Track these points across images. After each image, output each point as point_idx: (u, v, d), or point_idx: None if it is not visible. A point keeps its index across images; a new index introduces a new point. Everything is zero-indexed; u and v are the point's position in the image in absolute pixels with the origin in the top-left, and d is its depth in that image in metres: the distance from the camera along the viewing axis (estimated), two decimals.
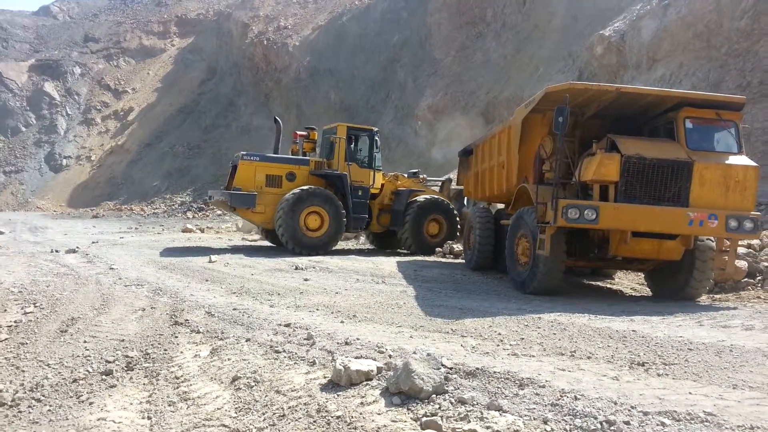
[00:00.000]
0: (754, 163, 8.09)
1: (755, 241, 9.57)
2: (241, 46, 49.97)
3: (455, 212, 15.84)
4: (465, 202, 16.59)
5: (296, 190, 14.05)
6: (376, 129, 15.99)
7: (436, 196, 15.95)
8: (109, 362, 5.27)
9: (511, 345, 5.47)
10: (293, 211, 13.81)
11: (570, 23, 27.47)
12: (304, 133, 16.39)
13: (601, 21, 24.07)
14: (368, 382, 4.30)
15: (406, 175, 16.79)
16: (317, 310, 7.26)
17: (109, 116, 54.84)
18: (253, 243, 18.10)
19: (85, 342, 5.91)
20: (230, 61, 52.55)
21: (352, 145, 15.35)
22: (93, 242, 16.31)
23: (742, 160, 8.05)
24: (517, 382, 4.22)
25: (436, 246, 15.33)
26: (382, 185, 15.96)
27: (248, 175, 14.52)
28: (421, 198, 15.59)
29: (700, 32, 17.57)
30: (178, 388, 4.68)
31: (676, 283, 8.76)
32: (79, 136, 53.45)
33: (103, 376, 5.00)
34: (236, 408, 4.20)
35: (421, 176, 17.22)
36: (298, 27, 47.24)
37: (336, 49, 42.87)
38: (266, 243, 17.14)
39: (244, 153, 15.09)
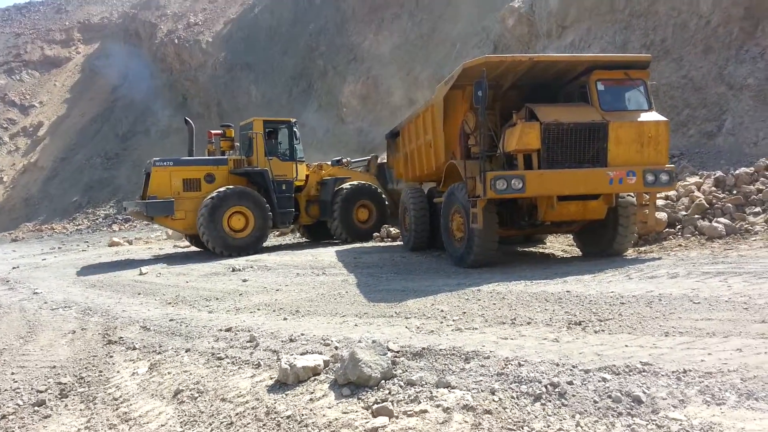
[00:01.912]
0: (665, 118, 8.48)
1: (672, 193, 10.07)
2: (151, 48, 48.08)
3: (382, 194, 15.88)
4: (389, 178, 16.63)
5: (214, 193, 13.65)
6: (293, 120, 15.69)
7: (362, 182, 15.92)
8: (41, 392, 4.98)
9: (454, 320, 5.53)
10: (214, 215, 13.43)
11: None
12: (219, 131, 15.93)
13: None
14: (316, 377, 4.25)
15: (329, 163, 16.61)
16: (258, 310, 7.12)
17: (17, 133, 51.63)
18: (186, 250, 17.57)
19: (12, 374, 5.55)
20: (141, 63, 50.42)
21: (273, 140, 15.04)
22: (13, 267, 15.38)
23: (653, 116, 8.41)
24: (462, 356, 4.26)
25: (368, 232, 15.28)
26: (307, 176, 15.76)
27: (163, 181, 14.03)
28: (346, 185, 15.52)
29: None
30: (117, 409, 4.47)
31: (603, 241, 9.13)
32: None
33: (36, 408, 4.71)
34: (181, 422, 4.05)
35: (344, 160, 17.08)
36: (209, 22, 45.83)
37: (251, 42, 41.89)
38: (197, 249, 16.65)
39: (157, 159, 14.56)
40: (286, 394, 4.08)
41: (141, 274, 11.52)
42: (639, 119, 8.31)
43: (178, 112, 44.89)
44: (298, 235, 18.63)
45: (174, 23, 47.35)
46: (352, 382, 3.97)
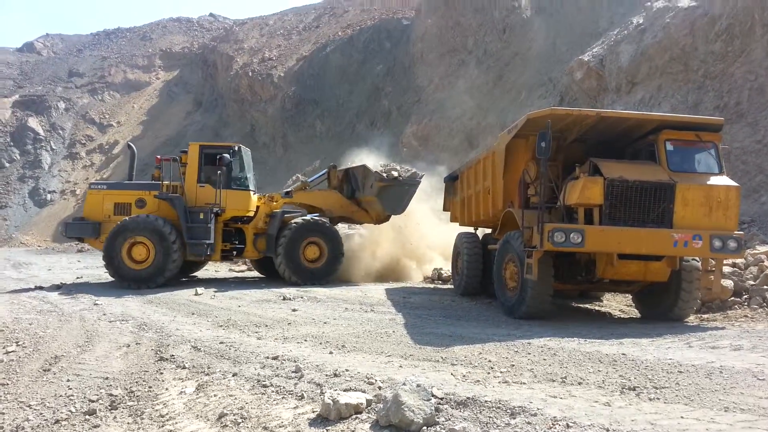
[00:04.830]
0: (736, 183, 8.19)
1: (740, 260, 9.64)
2: (226, 78, 50.30)
3: (336, 231, 14.76)
4: (357, 185, 15.60)
5: (119, 223, 13.28)
6: (237, 146, 14.69)
7: (314, 217, 14.67)
8: (93, 401, 5.14)
9: (501, 372, 5.42)
10: (113, 244, 13.09)
11: (549, 49, 28.01)
12: (170, 157, 15.33)
13: (580, 46, 24.56)
14: (358, 416, 4.23)
15: (282, 194, 15.73)
16: (305, 341, 7.17)
17: (93, 150, 54.69)
18: (239, 274, 17.94)
19: (68, 381, 5.76)
20: (215, 93, 52.84)
21: (213, 167, 14.10)
22: (77, 278, 16.09)
23: (723, 180, 8.15)
24: (508, 411, 4.17)
25: (318, 272, 14.20)
26: (258, 207, 14.99)
27: (95, 204, 14.05)
28: (294, 220, 14.41)
29: (676, 55, 17.97)
30: (163, 426, 4.56)
31: (663, 304, 8.79)
32: (63, 171, 53.18)
33: (86, 416, 4.86)
34: None
35: (299, 178, 15.98)
36: (283, 58, 47.69)
37: (321, 79, 43.29)
38: (255, 273, 16.96)
39: (92, 182, 14.81)
40: (327, 430, 4.07)
41: (196, 294, 11.81)
42: (708, 182, 8.06)
43: (245, 141, 46.29)
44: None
45: (250, 57, 49.51)
46: (393, 425, 3.94)
